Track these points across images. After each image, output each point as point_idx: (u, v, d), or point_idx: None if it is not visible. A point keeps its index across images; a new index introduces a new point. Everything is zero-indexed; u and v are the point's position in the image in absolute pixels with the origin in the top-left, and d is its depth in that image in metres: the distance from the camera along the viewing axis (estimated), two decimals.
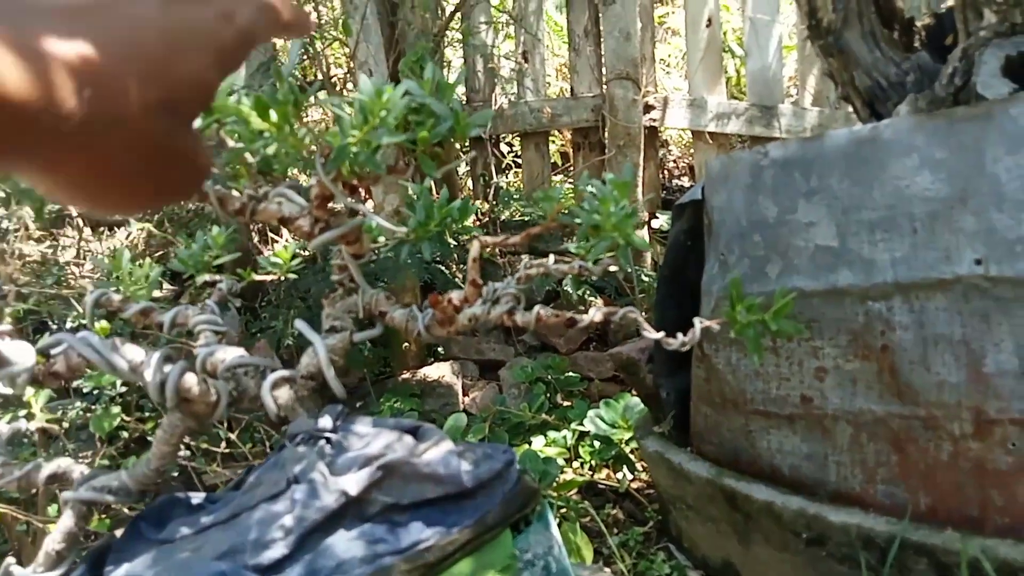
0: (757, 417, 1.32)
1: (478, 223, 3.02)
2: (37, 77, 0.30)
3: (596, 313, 0.90)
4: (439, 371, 2.61)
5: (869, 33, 1.32)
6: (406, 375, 2.62)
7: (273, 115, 0.73)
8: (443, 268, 2.65)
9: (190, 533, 0.81)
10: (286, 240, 2.59)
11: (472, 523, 0.78)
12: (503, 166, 3.44)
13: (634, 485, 1.85)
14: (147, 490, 0.85)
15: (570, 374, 2.48)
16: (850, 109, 2.80)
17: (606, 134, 2.83)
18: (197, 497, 0.91)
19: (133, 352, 0.81)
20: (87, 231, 2.83)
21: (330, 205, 0.88)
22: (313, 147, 0.77)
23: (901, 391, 1.15)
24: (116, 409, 1.51)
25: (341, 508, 0.76)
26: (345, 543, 0.75)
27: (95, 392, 1.57)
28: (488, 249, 0.85)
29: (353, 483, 0.77)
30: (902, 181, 1.14)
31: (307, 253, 2.38)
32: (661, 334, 0.90)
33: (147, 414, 1.84)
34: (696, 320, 0.92)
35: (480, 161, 2.99)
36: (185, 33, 0.37)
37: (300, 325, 0.88)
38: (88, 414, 1.51)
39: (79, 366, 0.79)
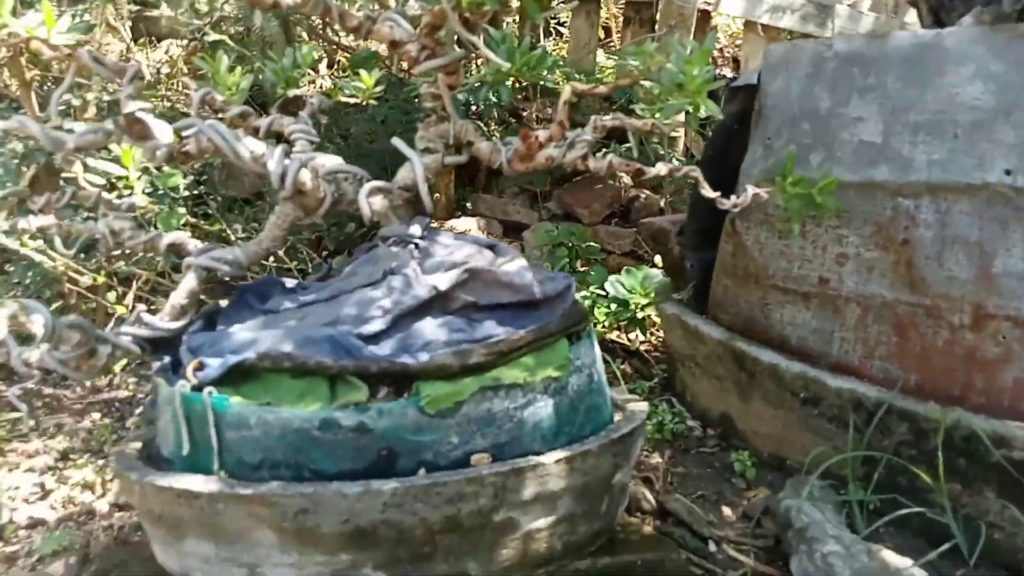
0: (775, 292, 1.45)
1: (517, 83, 3.04)
2: None
3: (662, 167, 1.00)
4: (466, 224, 2.72)
5: None
6: (434, 224, 2.73)
7: None
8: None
9: (293, 307, 0.94)
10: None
11: (536, 328, 0.91)
12: (548, 31, 3.42)
13: (643, 347, 2.00)
14: (251, 268, 0.97)
15: (591, 244, 2.59)
16: (907, 18, 2.79)
17: (658, 12, 2.82)
18: (290, 282, 1.04)
19: (254, 144, 0.91)
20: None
21: (438, 35, 0.96)
22: None
23: (913, 282, 1.27)
24: (182, 210, 1.63)
25: (430, 300, 0.89)
26: (431, 328, 0.89)
27: (161, 193, 1.68)
28: (578, 95, 0.94)
29: (443, 280, 0.90)
30: (954, 89, 1.21)
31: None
32: (718, 194, 1.00)
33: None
34: (748, 187, 1.03)
35: (527, 24, 2.98)
36: None
37: (398, 143, 0.98)
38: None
39: (207, 149, 0.90)
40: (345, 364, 0.83)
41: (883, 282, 1.30)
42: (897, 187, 1.27)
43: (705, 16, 2.90)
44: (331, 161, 0.99)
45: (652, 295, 2.03)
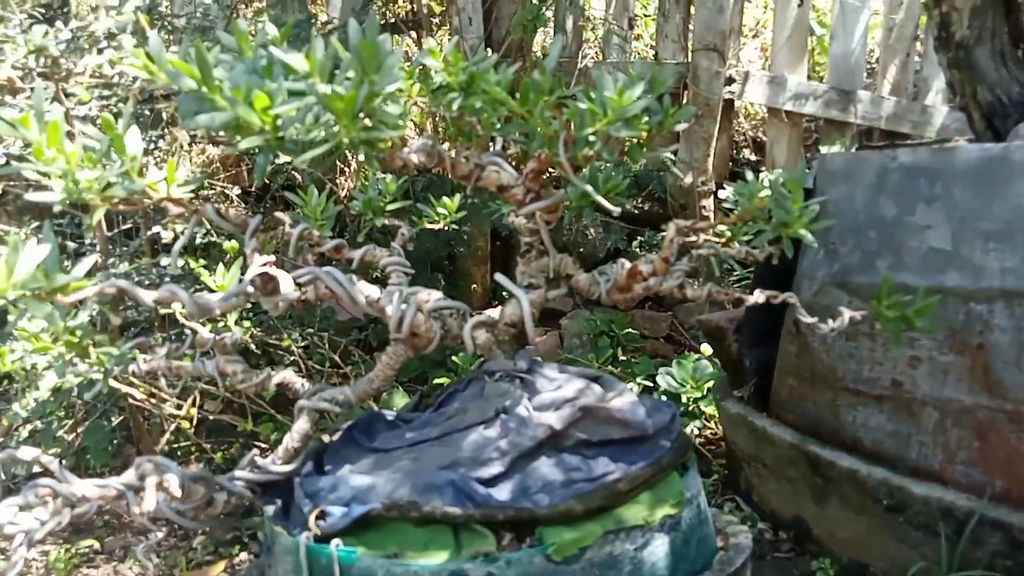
0: (846, 394, 1.45)
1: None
2: None
3: (760, 295, 1.02)
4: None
5: (999, 51, 1.40)
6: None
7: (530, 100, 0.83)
8: None
9: (403, 446, 0.95)
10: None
11: (649, 463, 0.91)
12: None
13: (698, 441, 1.99)
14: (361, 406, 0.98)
15: (630, 331, 2.60)
16: (927, 100, 2.86)
17: (685, 103, 2.89)
18: (389, 415, 1.04)
19: (369, 289, 0.93)
20: None
21: (542, 177, 0.99)
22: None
23: (991, 386, 1.27)
24: (247, 323, 1.66)
25: (545, 439, 0.90)
26: (547, 468, 0.89)
27: None
28: (679, 231, 0.97)
29: (557, 419, 0.90)
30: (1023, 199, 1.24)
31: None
32: (815, 319, 1.02)
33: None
34: (844, 310, 1.04)
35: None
36: None
37: (502, 279, 1.00)
38: None
39: (325, 296, 0.92)
40: (472, 512, 0.83)
41: (960, 386, 1.31)
42: (969, 293, 1.28)
43: (729, 104, 2.99)
44: (433, 296, 1.01)
45: (705, 388, 2.03)
